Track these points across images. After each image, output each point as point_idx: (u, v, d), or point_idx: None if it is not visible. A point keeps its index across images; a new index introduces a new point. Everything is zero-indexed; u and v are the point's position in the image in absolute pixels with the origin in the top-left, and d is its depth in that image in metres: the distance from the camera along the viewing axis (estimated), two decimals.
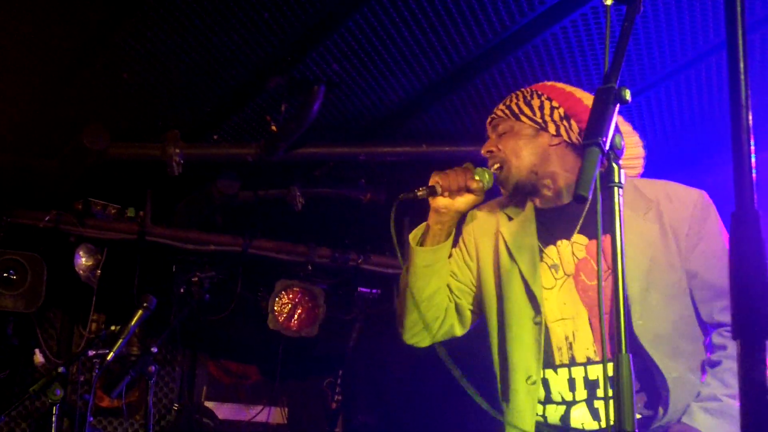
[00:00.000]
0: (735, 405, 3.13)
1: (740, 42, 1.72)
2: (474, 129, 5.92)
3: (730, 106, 1.69)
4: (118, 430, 8.31)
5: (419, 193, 3.42)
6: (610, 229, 2.95)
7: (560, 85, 3.57)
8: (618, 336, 2.13)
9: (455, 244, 3.66)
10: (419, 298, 3.51)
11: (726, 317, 3.28)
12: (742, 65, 1.70)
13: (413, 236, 3.56)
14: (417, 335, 3.65)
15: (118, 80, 5.51)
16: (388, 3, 4.65)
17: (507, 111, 3.50)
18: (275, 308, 8.14)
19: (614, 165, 2.20)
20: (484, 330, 3.65)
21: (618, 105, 2.16)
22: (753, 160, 1.66)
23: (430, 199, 3.46)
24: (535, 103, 3.46)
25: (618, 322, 2.14)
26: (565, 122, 3.41)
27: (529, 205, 3.55)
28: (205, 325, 8.17)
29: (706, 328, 3.37)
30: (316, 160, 6.57)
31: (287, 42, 5.09)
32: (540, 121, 3.42)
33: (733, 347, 3.19)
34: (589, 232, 3.40)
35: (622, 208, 2.20)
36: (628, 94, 2.17)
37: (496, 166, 3.47)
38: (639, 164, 3.50)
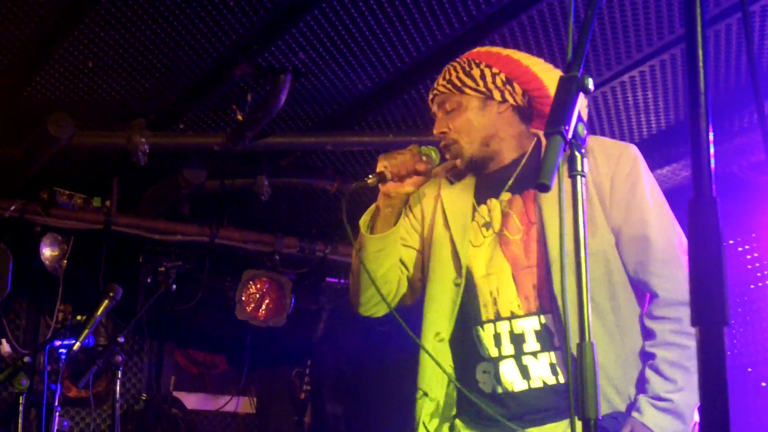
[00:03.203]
0: (680, 400, 3.12)
1: (698, 30, 1.73)
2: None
3: (689, 94, 1.69)
4: (85, 420, 8.28)
5: (369, 181, 3.41)
6: (534, 185, 2.97)
7: (495, 49, 3.56)
8: (581, 324, 2.12)
9: None
10: (373, 277, 3.52)
11: (650, 276, 3.25)
12: (700, 53, 1.71)
13: (363, 222, 3.57)
14: (371, 308, 3.68)
15: (83, 68, 5.48)
16: None
17: (449, 86, 3.48)
18: (243, 298, 8.13)
19: (577, 154, 2.20)
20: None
21: (580, 93, 2.15)
22: (711, 148, 1.67)
23: (380, 184, 3.46)
24: (476, 72, 3.44)
25: (581, 311, 2.13)
26: (508, 86, 3.41)
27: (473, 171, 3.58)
28: (172, 315, 8.15)
29: (640, 290, 3.35)
30: (282, 149, 6.56)
31: (253, 30, 5.07)
32: (484, 90, 3.41)
33: (662, 333, 3.20)
34: (515, 189, 3.42)
35: (584, 197, 2.20)
36: (590, 83, 2.16)
37: (449, 145, 3.48)
38: (583, 112, 3.50)
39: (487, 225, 3.44)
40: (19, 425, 5.40)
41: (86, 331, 5.50)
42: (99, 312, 5.60)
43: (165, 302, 7.73)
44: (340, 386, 9.40)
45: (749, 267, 6.64)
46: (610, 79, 5.48)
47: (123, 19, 4.96)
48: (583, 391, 2.09)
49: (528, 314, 3.30)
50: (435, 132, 3.54)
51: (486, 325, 3.36)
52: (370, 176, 3.43)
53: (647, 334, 3.26)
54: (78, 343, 5.48)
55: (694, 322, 1.59)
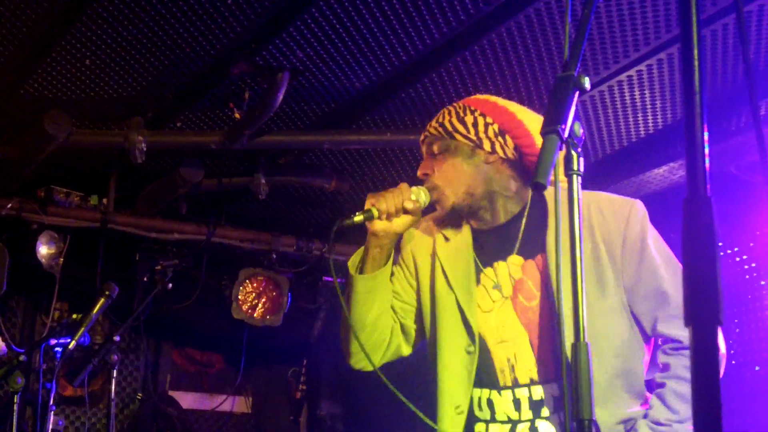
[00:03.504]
0: (680, 429, 3.13)
1: (694, 30, 1.72)
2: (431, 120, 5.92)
3: (684, 94, 1.69)
4: (80, 419, 8.27)
5: (356, 219, 3.41)
6: (545, 247, 2.96)
7: (493, 99, 3.53)
8: (576, 322, 2.12)
9: (395, 262, 3.64)
10: (363, 323, 3.51)
11: (668, 328, 3.26)
12: (695, 52, 1.70)
13: (352, 263, 3.55)
14: (363, 360, 3.63)
15: (80, 66, 5.47)
16: None
17: (441, 129, 3.46)
18: (239, 297, 8.12)
19: (573, 153, 2.19)
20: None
21: (577, 92, 2.15)
22: (706, 147, 1.66)
23: (367, 223, 3.43)
24: (469, 119, 3.42)
25: (576, 311, 2.12)
26: (499, 138, 3.38)
27: (466, 226, 3.54)
28: (168, 314, 8.14)
29: (649, 343, 3.37)
30: (280, 147, 6.55)
31: (251, 28, 5.06)
32: (474, 138, 3.39)
33: (676, 367, 3.21)
34: (526, 253, 3.38)
35: (581, 196, 2.19)
36: (587, 82, 2.16)
37: (432, 189, 3.46)
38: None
39: (498, 288, 3.40)
40: (14, 424, 5.39)
41: (82, 330, 5.50)
42: (95, 310, 5.61)
43: (161, 301, 7.73)
44: (336, 386, 9.39)
45: (746, 267, 6.64)
46: (607, 78, 5.47)
47: (120, 17, 4.95)
48: (577, 391, 2.09)
49: (546, 381, 3.28)
50: (419, 173, 3.52)
51: (504, 392, 3.35)
52: (357, 213, 3.42)
53: (660, 367, 3.28)
54: (74, 342, 5.48)
55: (688, 322, 1.58)
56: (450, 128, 3.44)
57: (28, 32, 5.17)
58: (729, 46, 5.11)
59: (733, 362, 6.53)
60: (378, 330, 3.55)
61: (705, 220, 1.60)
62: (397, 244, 3.58)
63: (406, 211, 3.43)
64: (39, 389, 6.44)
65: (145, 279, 7.52)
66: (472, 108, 3.47)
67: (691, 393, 1.57)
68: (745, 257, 6.67)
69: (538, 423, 3.28)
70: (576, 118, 2.17)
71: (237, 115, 5.88)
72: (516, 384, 3.32)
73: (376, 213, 3.40)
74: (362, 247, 3.54)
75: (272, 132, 6.18)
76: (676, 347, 3.24)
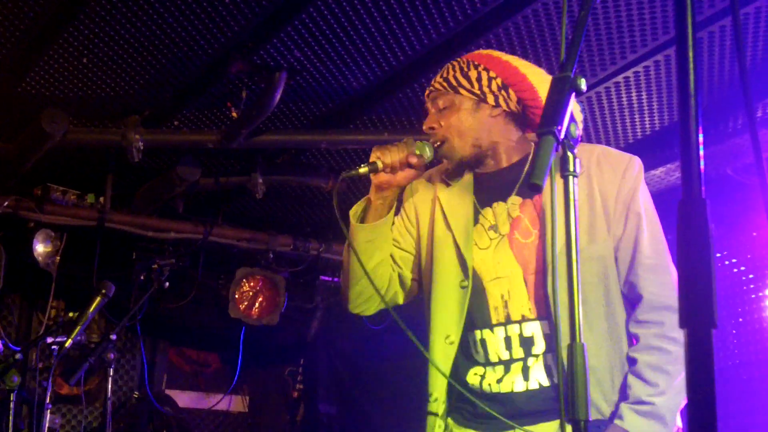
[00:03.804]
0: (662, 403, 3.13)
1: (689, 31, 1.72)
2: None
3: (679, 96, 1.69)
4: (77, 417, 8.27)
5: (361, 170, 3.43)
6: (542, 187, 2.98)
7: (496, 53, 3.56)
8: (572, 325, 2.12)
9: (397, 212, 3.67)
10: (362, 272, 3.52)
11: (637, 280, 3.27)
12: (690, 54, 1.70)
13: (354, 212, 3.57)
14: (361, 305, 3.68)
15: (77, 65, 5.47)
16: None
17: (445, 84, 3.49)
18: (236, 296, 8.12)
19: (569, 154, 2.19)
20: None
21: (573, 94, 2.15)
22: (701, 149, 1.66)
23: (371, 175, 3.47)
24: (473, 74, 3.45)
25: (572, 312, 2.12)
26: (503, 92, 3.41)
27: (469, 173, 3.57)
28: (165, 313, 8.15)
29: (629, 299, 3.38)
30: (277, 147, 6.56)
31: (248, 27, 5.07)
32: (479, 92, 3.42)
33: (645, 336, 3.21)
34: (525, 193, 3.41)
35: (577, 198, 2.19)
36: (583, 83, 2.16)
37: (438, 142, 3.48)
38: (579, 126, 3.50)
39: (494, 228, 3.43)
40: (10, 422, 5.39)
41: (78, 328, 5.50)
42: (91, 309, 5.61)
43: (158, 300, 7.73)
44: (333, 385, 9.40)
45: (742, 269, 6.65)
46: (604, 80, 5.48)
47: (118, 15, 4.96)
48: (573, 392, 2.09)
49: (538, 317, 3.29)
50: (425, 127, 3.54)
51: (496, 329, 3.35)
52: (362, 165, 3.44)
53: (631, 340, 3.29)
54: (70, 340, 5.48)
55: (683, 324, 1.58)
56: (454, 83, 3.47)
57: (25, 30, 5.17)
58: (726, 48, 5.12)
59: (730, 363, 6.53)
60: (377, 278, 3.57)
61: (700, 222, 1.60)
62: (400, 195, 3.61)
63: (410, 165, 3.46)
64: (35, 387, 6.45)
65: (142, 278, 7.50)
66: (476, 63, 3.50)
67: (687, 395, 1.57)
68: (734, 260, 6.67)
69: (531, 362, 3.29)
70: (572, 119, 2.17)
71: (234, 115, 5.88)
72: (508, 320, 3.33)
73: (380, 165, 3.43)
74: (365, 198, 3.57)
75: (269, 131, 6.19)
76: (646, 310, 3.25)
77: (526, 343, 3.30)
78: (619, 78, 5.46)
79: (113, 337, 5.88)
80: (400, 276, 3.68)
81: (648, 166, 6.37)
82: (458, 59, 3.57)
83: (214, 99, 5.94)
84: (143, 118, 6.11)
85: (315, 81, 5.64)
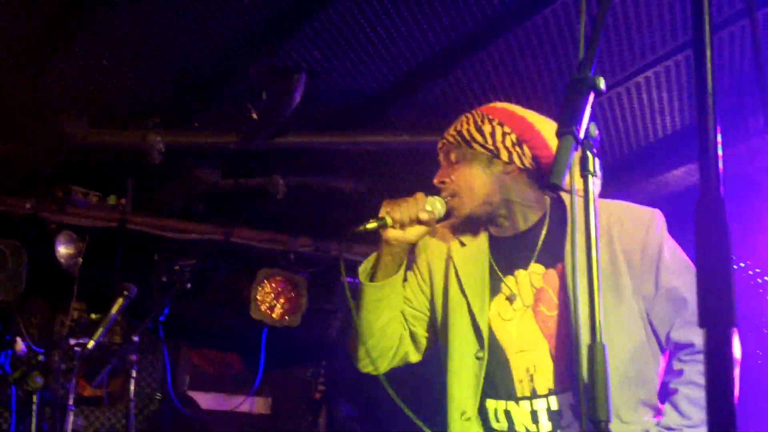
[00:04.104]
0: None
1: (706, 29, 1.72)
2: (455, 118, 5.92)
3: (696, 95, 1.69)
4: (99, 419, 8.30)
5: (369, 226, 3.38)
6: (563, 256, 2.95)
7: (511, 107, 3.51)
8: (593, 324, 2.12)
9: (409, 268, 3.63)
10: (371, 330, 3.51)
11: (683, 335, 3.25)
12: (708, 53, 1.70)
13: (363, 270, 3.54)
14: (370, 365, 3.65)
15: (97, 66, 5.49)
16: None
17: (458, 137, 3.44)
18: (257, 297, 8.12)
19: (588, 154, 2.19)
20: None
21: (592, 93, 2.15)
22: (719, 148, 1.66)
23: (381, 230, 3.42)
24: (487, 128, 3.40)
25: (592, 314, 2.13)
26: (517, 148, 3.36)
27: (484, 233, 3.53)
28: (187, 314, 8.15)
29: (665, 354, 3.36)
30: (297, 148, 6.56)
31: (268, 29, 5.07)
32: (492, 148, 3.37)
33: (690, 372, 3.21)
34: (546, 261, 3.37)
35: (596, 197, 2.19)
36: (602, 83, 2.15)
37: (449, 198, 3.44)
38: (597, 184, 3.47)
39: (513, 297, 3.38)
40: (33, 423, 5.41)
41: (100, 330, 5.52)
42: (113, 310, 5.63)
43: (180, 301, 7.73)
44: (354, 387, 9.38)
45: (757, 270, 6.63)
46: (624, 80, 5.46)
47: (137, 16, 4.97)
48: (593, 392, 2.08)
49: (563, 390, 3.27)
50: (435, 180, 3.50)
51: (521, 402, 3.32)
52: (371, 221, 3.40)
53: (674, 374, 3.27)
54: (92, 342, 5.50)
55: (702, 324, 1.58)
56: (468, 137, 3.42)
57: (43, 31, 5.19)
58: (748, 48, 5.10)
59: (751, 363, 6.50)
60: (386, 337, 3.54)
61: (718, 221, 1.60)
62: (411, 250, 3.57)
63: (420, 222, 3.41)
64: (58, 389, 6.48)
65: (164, 279, 7.53)
66: (490, 117, 3.45)
67: (705, 394, 1.57)
68: (754, 262, 6.64)
69: None
70: (593, 118, 2.17)
71: (254, 116, 5.89)
72: (534, 395, 3.29)
73: (389, 221, 3.38)
74: (374, 254, 3.53)
75: (289, 132, 6.19)
76: (691, 352, 3.24)
77: (554, 416, 3.28)
78: (640, 78, 5.44)
79: (135, 338, 5.90)
80: (412, 334, 3.64)
81: (668, 167, 6.39)
82: (473, 112, 3.53)
83: (234, 100, 5.94)
84: (163, 120, 6.12)
85: (334, 82, 5.64)
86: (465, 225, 3.55)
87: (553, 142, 3.31)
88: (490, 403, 3.38)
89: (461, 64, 5.36)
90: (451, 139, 3.49)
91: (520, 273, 3.40)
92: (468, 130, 3.44)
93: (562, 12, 4.79)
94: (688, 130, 6.09)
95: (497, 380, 3.36)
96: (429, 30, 5.01)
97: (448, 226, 3.64)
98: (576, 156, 2.14)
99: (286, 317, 8.21)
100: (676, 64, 5.28)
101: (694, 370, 3.20)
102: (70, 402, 5.71)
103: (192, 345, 9.19)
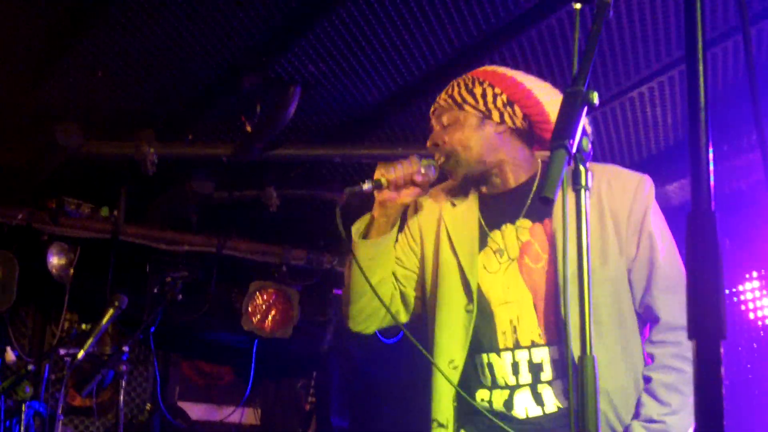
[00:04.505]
0: (674, 423, 3.15)
1: (698, 43, 1.73)
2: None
3: (689, 109, 1.70)
4: (89, 429, 8.29)
5: (365, 187, 3.42)
6: (551, 212, 2.96)
7: (501, 69, 3.55)
8: (583, 337, 2.12)
9: (401, 229, 3.66)
10: (363, 289, 3.51)
11: (653, 301, 3.28)
12: (700, 67, 1.71)
13: (356, 229, 3.55)
14: (362, 323, 3.65)
15: (92, 77, 5.49)
16: (364, 3, 4.65)
17: (450, 100, 3.48)
18: (249, 309, 8.13)
19: (581, 168, 2.19)
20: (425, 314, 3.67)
21: (586, 107, 2.15)
22: (711, 162, 1.67)
23: (375, 192, 3.46)
24: (477, 90, 3.44)
25: (582, 326, 2.13)
26: (508, 108, 3.40)
27: (474, 193, 3.56)
28: (178, 326, 8.15)
29: (644, 325, 3.37)
30: (291, 161, 6.55)
31: (262, 41, 5.08)
32: (483, 109, 3.41)
33: (661, 356, 3.23)
34: (534, 216, 3.40)
35: (588, 211, 2.20)
36: (595, 97, 2.16)
37: (442, 159, 3.47)
38: (586, 146, 3.47)
39: (500, 251, 3.41)
40: None
41: (91, 340, 5.52)
42: (104, 321, 5.62)
43: (171, 312, 7.73)
44: (345, 398, 9.39)
45: (756, 284, 6.62)
46: (618, 95, 5.47)
47: (132, 28, 4.97)
48: (583, 405, 2.09)
49: (548, 343, 3.28)
50: (429, 143, 3.54)
51: (503, 353, 3.33)
52: (366, 182, 3.44)
53: (647, 359, 3.29)
54: (82, 352, 5.49)
55: (691, 336, 1.59)
56: (459, 99, 3.46)
57: (39, 42, 5.19)
58: (741, 63, 5.11)
59: (742, 378, 6.50)
60: (378, 296, 3.56)
61: (709, 234, 1.61)
62: (404, 212, 3.60)
63: (414, 183, 3.45)
64: (48, 399, 6.47)
65: (155, 290, 7.53)
66: (481, 79, 3.49)
67: (695, 406, 1.57)
68: (748, 276, 6.64)
69: (541, 389, 3.28)
70: (585, 132, 2.18)
71: (248, 128, 5.89)
72: (517, 345, 3.31)
73: (384, 182, 3.42)
74: (368, 215, 3.55)
75: (283, 145, 6.19)
76: (658, 332, 3.25)
77: (535, 368, 3.29)
78: (634, 93, 5.45)
79: (126, 349, 5.89)
80: (402, 294, 3.66)
81: (662, 182, 6.40)
82: (463, 76, 3.57)
83: (228, 112, 5.95)
84: (157, 131, 6.12)
85: (329, 95, 5.65)
86: (456, 188, 3.59)
87: (544, 101, 3.40)
88: (476, 358, 3.39)
89: (456, 78, 5.36)
90: (443, 102, 3.53)
91: (507, 227, 3.44)
92: (459, 93, 3.48)
93: (557, 26, 4.81)
94: (682, 146, 6.10)
95: (482, 333, 3.38)
96: (424, 43, 5.02)
97: (440, 189, 3.68)
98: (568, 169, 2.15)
99: (278, 329, 8.21)
100: (670, 80, 5.29)
101: (666, 353, 3.22)
102: (60, 412, 5.70)
103: (182, 356, 9.20)
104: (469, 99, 3.44)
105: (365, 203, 3.58)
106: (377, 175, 3.46)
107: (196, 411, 9.09)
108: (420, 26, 4.84)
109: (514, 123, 3.42)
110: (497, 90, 3.44)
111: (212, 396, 9.39)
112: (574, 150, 2.11)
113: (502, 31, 4.90)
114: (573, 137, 2.11)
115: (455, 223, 3.53)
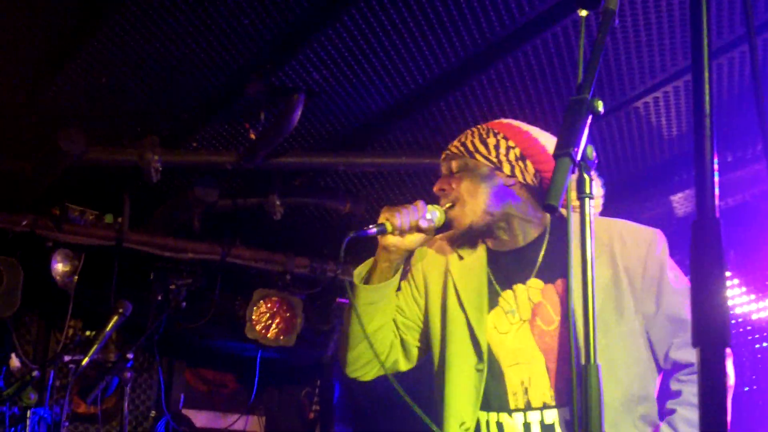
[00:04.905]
0: None
1: (705, 55, 1.73)
2: (454, 140, 5.93)
3: (694, 115, 1.70)
4: None
5: (369, 231, 3.39)
6: (565, 271, 2.95)
7: (517, 123, 3.53)
8: (587, 345, 2.12)
9: (404, 277, 3.63)
10: (362, 335, 3.49)
11: (682, 355, 3.27)
12: (705, 75, 1.71)
13: (358, 273, 3.54)
14: (359, 370, 3.65)
15: (96, 84, 5.49)
16: (368, 11, 4.65)
17: (462, 148, 3.47)
18: (253, 317, 8.11)
19: (586, 176, 2.19)
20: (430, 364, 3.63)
21: (590, 116, 2.15)
22: (716, 172, 1.67)
23: (379, 236, 3.43)
24: (491, 141, 3.42)
25: (587, 333, 2.12)
26: (520, 163, 3.38)
27: (482, 246, 3.53)
28: (182, 333, 8.15)
29: (659, 373, 3.37)
30: (295, 169, 6.55)
31: (267, 49, 5.08)
32: (495, 160, 3.39)
33: (687, 393, 3.22)
34: (546, 277, 3.37)
35: (593, 219, 2.19)
36: (600, 105, 2.16)
37: (448, 204, 3.45)
38: (597, 204, 3.47)
39: (512, 312, 3.38)
40: None
41: (95, 347, 5.51)
42: (108, 328, 5.62)
43: (175, 320, 7.73)
44: (349, 407, 9.38)
45: (759, 294, 6.61)
46: (623, 104, 5.46)
47: (136, 35, 4.97)
48: (586, 413, 2.08)
49: (559, 405, 3.26)
50: (436, 188, 3.52)
51: (514, 414, 3.31)
52: (371, 226, 3.41)
53: (672, 394, 3.28)
54: (86, 359, 5.49)
55: (695, 343, 1.59)
56: (471, 148, 3.44)
57: (43, 48, 5.19)
58: (746, 74, 5.11)
59: (747, 389, 6.50)
60: (377, 343, 3.53)
61: (713, 241, 1.61)
62: (407, 259, 3.58)
63: (419, 229, 3.42)
64: (52, 405, 6.46)
65: (159, 298, 7.52)
66: (496, 131, 3.47)
67: (699, 413, 1.57)
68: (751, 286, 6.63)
69: None
70: (590, 141, 2.17)
71: (252, 136, 5.89)
72: (528, 407, 3.29)
73: (389, 227, 3.39)
74: (371, 259, 3.53)
75: (287, 153, 6.19)
76: (690, 372, 3.25)
77: (547, 429, 3.27)
78: (639, 103, 5.45)
79: (130, 356, 5.89)
80: (402, 342, 3.64)
81: (667, 192, 6.39)
82: (478, 126, 3.55)
83: (232, 120, 5.95)
84: (161, 138, 6.12)
85: (333, 103, 5.65)
86: (463, 238, 3.55)
87: None
88: (482, 415, 3.37)
89: (461, 87, 5.36)
90: (454, 149, 3.51)
91: (519, 287, 3.41)
92: (472, 142, 3.46)
93: (562, 35, 4.80)
94: (687, 156, 6.09)
95: (491, 392, 3.35)
96: (429, 52, 5.02)
97: (446, 239, 3.65)
98: (573, 178, 2.14)
99: (281, 337, 8.20)
100: (675, 90, 5.28)
101: (692, 392, 3.21)
102: (64, 419, 5.70)
103: (186, 363, 9.19)
104: (482, 149, 3.42)
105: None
106: (382, 218, 3.43)
107: (200, 418, 9.08)
108: (425, 35, 4.84)
109: (524, 178, 3.39)
110: (511, 143, 3.41)
111: (216, 403, 9.38)
112: (578, 158, 2.11)
113: (507, 40, 4.90)
114: (577, 145, 2.10)
115: (463, 279, 3.49)
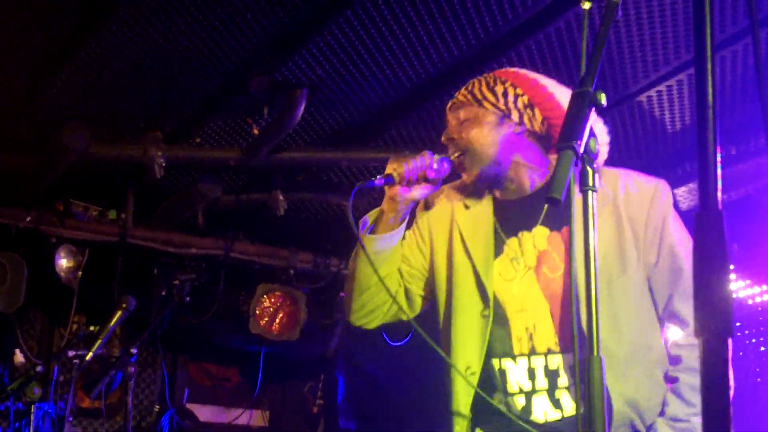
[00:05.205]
0: (698, 423, 3.13)
1: (708, 48, 1.73)
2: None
3: (697, 108, 1.70)
4: (98, 431, 8.28)
5: (376, 181, 3.39)
6: (569, 221, 2.95)
7: (524, 71, 3.52)
8: (590, 338, 2.12)
9: (409, 226, 3.62)
10: (368, 283, 3.49)
11: (680, 308, 3.28)
12: (708, 66, 1.71)
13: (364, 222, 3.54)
14: (364, 317, 3.62)
15: (99, 79, 5.49)
16: (371, 6, 4.65)
17: (469, 96, 3.45)
18: (257, 312, 8.12)
19: (588, 169, 2.19)
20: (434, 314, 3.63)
21: (593, 108, 2.15)
22: (719, 163, 1.67)
23: (386, 186, 3.43)
24: (499, 89, 3.41)
25: (590, 325, 2.13)
26: (528, 110, 3.37)
27: (488, 196, 3.52)
28: (186, 328, 8.15)
29: (662, 326, 3.37)
30: (298, 164, 6.55)
31: (270, 44, 5.08)
32: (503, 108, 3.37)
33: (688, 358, 3.23)
34: (551, 224, 3.37)
35: (596, 212, 2.19)
36: (603, 98, 2.16)
37: (456, 153, 3.44)
38: (603, 151, 3.46)
39: (517, 259, 3.38)
40: None
41: (99, 342, 5.52)
42: (112, 323, 5.62)
43: (179, 315, 7.74)
44: (352, 401, 9.38)
45: (764, 287, 6.62)
46: (626, 98, 5.46)
47: (139, 30, 4.97)
48: (590, 405, 2.09)
49: (564, 351, 3.27)
50: (444, 137, 3.52)
51: (519, 359, 3.32)
52: (378, 177, 3.41)
53: (673, 360, 3.29)
54: (90, 354, 5.49)
55: (698, 333, 1.59)
56: (479, 96, 3.43)
57: (46, 45, 5.20)
58: (750, 67, 5.10)
59: (751, 382, 6.50)
60: (382, 291, 3.51)
61: (716, 233, 1.61)
62: (413, 209, 3.58)
63: (426, 180, 3.43)
64: (56, 400, 6.47)
65: (163, 293, 7.53)
66: (503, 78, 3.46)
67: (701, 403, 1.58)
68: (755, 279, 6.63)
69: (559, 394, 3.27)
70: (592, 133, 2.18)
71: (256, 131, 5.90)
72: (533, 352, 3.30)
73: (396, 177, 3.39)
74: (377, 209, 3.53)
75: (290, 148, 6.19)
76: (687, 335, 3.26)
77: (551, 374, 3.28)
78: (642, 97, 5.45)
79: (134, 350, 5.89)
80: (406, 291, 3.63)
81: (671, 185, 6.37)
82: (485, 74, 3.53)
83: (235, 116, 5.95)
84: (164, 134, 6.12)
85: (336, 98, 5.65)
86: (469, 187, 3.54)
87: (565, 106, 3.29)
88: (488, 363, 3.37)
89: (463, 81, 5.35)
90: (461, 98, 3.49)
91: (524, 235, 3.40)
92: (480, 90, 3.44)
93: (565, 30, 4.80)
94: (690, 149, 6.09)
95: (496, 338, 3.35)
96: (432, 46, 5.02)
97: (453, 188, 3.64)
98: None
99: (285, 332, 8.21)
100: (679, 84, 5.28)
101: (693, 356, 3.22)
102: (68, 413, 5.71)
103: (190, 358, 9.19)
104: (490, 96, 3.41)
105: (377, 201, 3.56)
106: (389, 169, 3.43)
107: (204, 413, 9.09)
108: (428, 29, 4.84)
109: (533, 126, 3.38)
110: (519, 91, 3.40)
111: (220, 398, 9.39)
112: (581, 150, 2.11)
113: (510, 34, 4.90)
114: (580, 138, 2.11)
115: (469, 227, 3.49)
